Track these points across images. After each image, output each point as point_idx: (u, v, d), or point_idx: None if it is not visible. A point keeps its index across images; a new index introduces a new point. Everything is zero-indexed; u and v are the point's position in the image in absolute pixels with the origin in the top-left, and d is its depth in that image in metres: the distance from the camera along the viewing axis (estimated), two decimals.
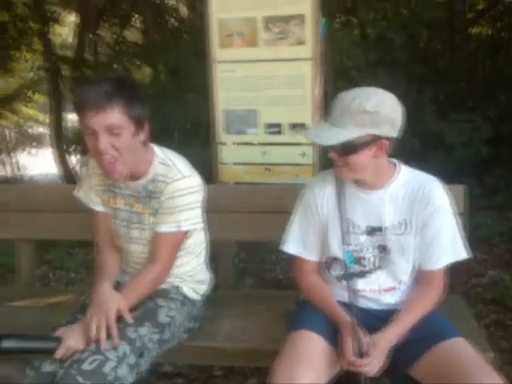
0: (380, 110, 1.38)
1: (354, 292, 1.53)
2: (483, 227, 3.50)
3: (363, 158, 1.43)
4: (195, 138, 3.97)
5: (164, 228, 1.61)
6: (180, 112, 3.61)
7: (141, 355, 1.50)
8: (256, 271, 3.38)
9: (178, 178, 1.58)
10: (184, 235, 1.67)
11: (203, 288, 1.83)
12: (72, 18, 7.40)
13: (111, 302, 1.52)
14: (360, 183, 1.55)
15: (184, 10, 6.26)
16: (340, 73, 3.86)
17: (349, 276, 1.55)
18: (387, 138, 1.42)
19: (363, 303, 1.59)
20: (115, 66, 3.94)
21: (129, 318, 1.52)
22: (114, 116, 1.42)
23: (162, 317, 1.61)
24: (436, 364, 1.41)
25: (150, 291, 1.65)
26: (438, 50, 5.66)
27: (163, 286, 1.73)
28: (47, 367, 1.45)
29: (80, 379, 1.34)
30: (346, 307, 1.53)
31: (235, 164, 2.37)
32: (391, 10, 4.54)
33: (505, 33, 5.72)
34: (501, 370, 2.09)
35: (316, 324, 1.52)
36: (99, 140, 1.42)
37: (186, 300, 1.74)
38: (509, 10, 5.25)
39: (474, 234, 3.38)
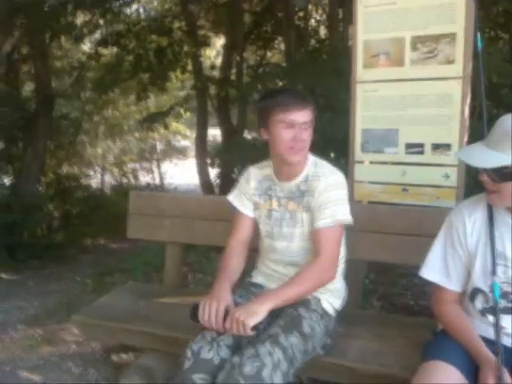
0: None
1: (499, 328, 1.42)
2: None
3: None
4: (329, 155, 4.00)
5: (322, 223, 1.71)
6: (316, 130, 3.66)
7: (290, 363, 1.54)
8: (385, 294, 3.27)
9: (329, 173, 1.76)
10: (342, 229, 1.75)
11: (339, 303, 1.86)
12: (220, 42, 7.98)
13: (222, 301, 1.60)
14: None
15: (325, 32, 6.39)
16: (488, 91, 3.59)
17: (495, 311, 1.43)
18: None
19: (507, 341, 1.46)
20: (259, 86, 4.16)
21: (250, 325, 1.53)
22: (309, 114, 1.70)
23: (306, 327, 1.65)
24: None
25: (314, 286, 1.69)
26: None
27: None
28: (206, 354, 1.55)
29: (242, 380, 1.43)
30: (488, 344, 1.42)
31: (371, 183, 2.35)
32: None
33: None
34: None
35: (453, 356, 1.44)
36: (300, 132, 1.69)
37: (324, 314, 1.77)
38: None
39: None
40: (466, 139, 2.13)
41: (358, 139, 2.34)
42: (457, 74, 2.08)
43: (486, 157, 1.34)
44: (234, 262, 1.84)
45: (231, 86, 6.05)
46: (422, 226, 1.95)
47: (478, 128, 1.65)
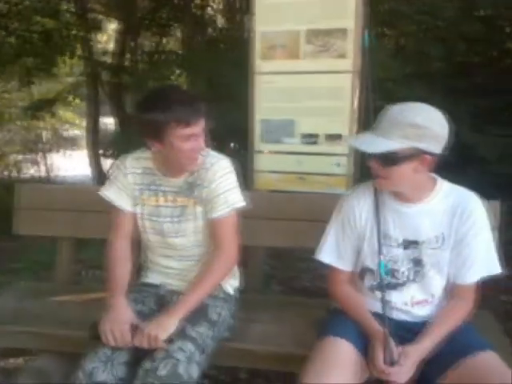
0: (427, 124, 1.40)
1: (386, 303, 1.55)
2: None
3: (403, 170, 1.45)
4: (230, 145, 4.03)
5: (218, 213, 1.69)
6: (217, 120, 3.67)
7: (202, 352, 1.55)
8: (284, 278, 3.40)
9: (215, 161, 1.71)
10: (237, 216, 1.74)
11: (236, 283, 1.89)
12: (113, 26, 7.62)
13: (124, 322, 1.56)
14: (399, 196, 1.57)
15: (223, 21, 6.39)
16: (376, 85, 3.85)
17: (382, 287, 1.57)
18: (431, 154, 1.44)
19: (395, 314, 1.61)
20: (154, 74, 4.04)
21: (160, 344, 1.51)
22: (203, 119, 1.62)
23: (212, 314, 1.68)
24: (464, 376, 1.42)
25: (222, 278, 1.71)
26: (476, 63, 5.60)
27: None
28: (100, 375, 1.48)
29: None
30: (377, 317, 1.55)
31: (270, 172, 2.42)
32: (429, 23, 4.53)
33: None
34: None
35: (346, 331, 1.55)
36: (200, 141, 1.63)
37: (227, 296, 1.80)
38: None
39: (508, 249, 3.34)
40: (355, 130, 2.27)
41: (257, 129, 2.38)
42: (348, 68, 2.20)
43: (376, 143, 1.44)
44: (122, 265, 1.75)
45: (125, 72, 5.81)
46: (316, 211, 2.05)
47: (369, 119, 1.76)
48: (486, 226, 1.55)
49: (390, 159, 1.44)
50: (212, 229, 1.72)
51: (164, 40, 6.95)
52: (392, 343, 1.45)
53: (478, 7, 4.09)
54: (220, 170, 1.70)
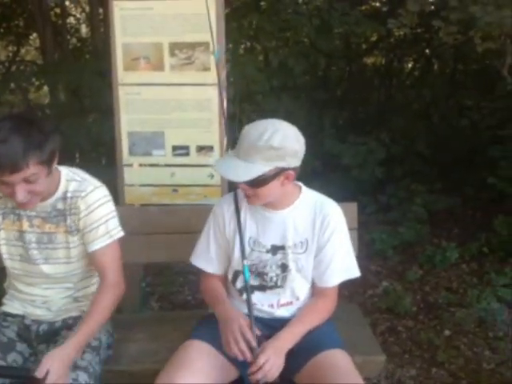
0: (285, 144, 1.46)
1: (251, 304, 1.57)
2: (378, 242, 3.76)
3: (271, 188, 1.51)
4: (98, 158, 3.86)
5: (98, 244, 1.61)
6: (81, 133, 3.51)
7: (94, 379, 1.53)
8: (164, 294, 3.34)
9: (90, 189, 1.60)
10: (118, 244, 1.66)
11: None
12: None
13: None
14: (266, 204, 1.62)
15: (86, 31, 6.11)
16: (246, 97, 3.98)
17: (247, 289, 1.59)
18: (293, 169, 1.51)
19: (258, 315, 1.66)
20: (12, 85, 3.71)
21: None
22: (30, 170, 1.41)
23: (92, 341, 1.61)
24: (314, 373, 1.50)
25: (112, 306, 1.61)
26: (336, 77, 6.08)
27: (76, 314, 1.71)
28: None
29: None
30: None
31: (141, 186, 2.36)
32: (292, 39, 4.80)
33: (396, 62, 6.31)
34: (393, 372, 2.29)
35: (207, 334, 1.59)
36: (16, 192, 1.43)
37: None
38: (399, 42, 5.81)
39: (369, 248, 3.65)
40: (225, 142, 2.31)
41: (124, 142, 2.32)
42: (212, 81, 2.22)
43: (241, 170, 1.47)
44: None
45: None
46: (191, 223, 2.05)
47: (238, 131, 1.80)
48: (345, 232, 1.66)
49: (258, 182, 1.48)
50: (94, 260, 1.65)
51: (22, 50, 6.44)
52: (254, 327, 1.49)
53: (335, 26, 4.44)
54: (98, 200, 1.61)
